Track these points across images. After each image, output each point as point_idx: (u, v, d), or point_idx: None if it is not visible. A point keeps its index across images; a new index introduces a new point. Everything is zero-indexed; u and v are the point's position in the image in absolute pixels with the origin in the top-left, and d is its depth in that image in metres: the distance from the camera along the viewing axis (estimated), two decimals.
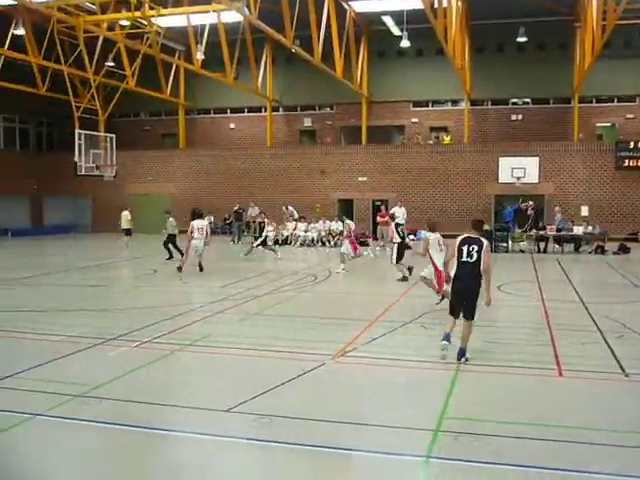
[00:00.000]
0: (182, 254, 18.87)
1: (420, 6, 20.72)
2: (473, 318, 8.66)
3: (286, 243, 28.90)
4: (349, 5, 29.80)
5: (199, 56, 28.91)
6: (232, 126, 37.39)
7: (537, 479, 5.33)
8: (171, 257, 20.57)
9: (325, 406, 7.01)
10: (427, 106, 34.81)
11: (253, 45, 33.06)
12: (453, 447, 5.87)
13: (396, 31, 30.86)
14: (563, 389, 7.75)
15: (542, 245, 25.75)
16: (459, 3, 26.36)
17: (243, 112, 37.32)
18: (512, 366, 8.52)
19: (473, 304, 8.63)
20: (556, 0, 28.19)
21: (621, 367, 8.51)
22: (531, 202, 27.15)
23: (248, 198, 31.84)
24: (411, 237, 29.28)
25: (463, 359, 8.50)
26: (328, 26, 26.74)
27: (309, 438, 6.05)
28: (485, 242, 8.61)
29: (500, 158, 30.23)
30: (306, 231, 29.12)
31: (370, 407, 7.10)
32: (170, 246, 20.66)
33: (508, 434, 6.18)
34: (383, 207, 27.21)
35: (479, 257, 8.49)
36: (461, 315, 8.72)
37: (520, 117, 33.50)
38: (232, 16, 26.65)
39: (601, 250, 24.80)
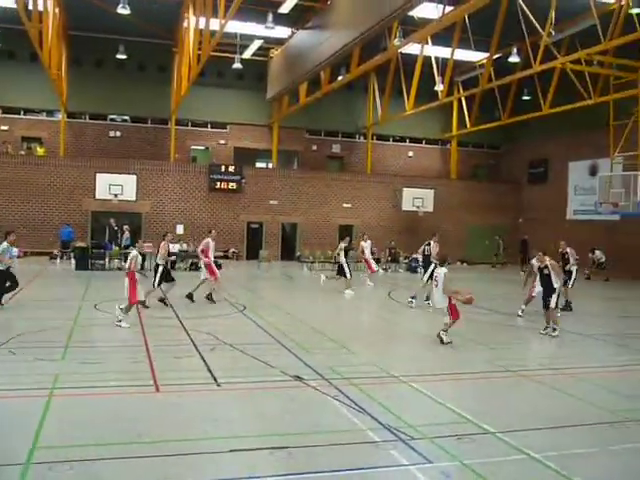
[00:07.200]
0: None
1: (13, 5, 19.29)
2: None
3: None
4: None
5: None
6: None
7: None
8: None
9: None
10: (19, 114, 32.53)
11: None
12: (47, 478, 5.44)
13: None
14: (161, 404, 7.83)
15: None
16: (56, 10, 25.27)
17: None
18: (109, 386, 8.34)
19: None
20: (156, 23, 28.93)
21: (214, 377, 8.95)
22: (112, 219, 27.56)
23: None
24: None
25: None
26: None
27: None
28: None
29: (97, 174, 29.69)
30: None
31: None
32: None
33: (109, 456, 5.98)
34: None
35: None
36: None
37: (119, 134, 33.51)
38: None
39: (196, 267, 26.00)
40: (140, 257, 13.75)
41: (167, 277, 16.07)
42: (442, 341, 11.86)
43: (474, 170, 39.82)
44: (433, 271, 14.51)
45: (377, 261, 28.31)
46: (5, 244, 14.42)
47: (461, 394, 8.83)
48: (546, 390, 9.05)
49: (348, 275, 20.12)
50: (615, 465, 6.37)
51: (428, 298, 16.52)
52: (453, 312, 12.01)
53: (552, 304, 13.18)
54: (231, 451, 6.23)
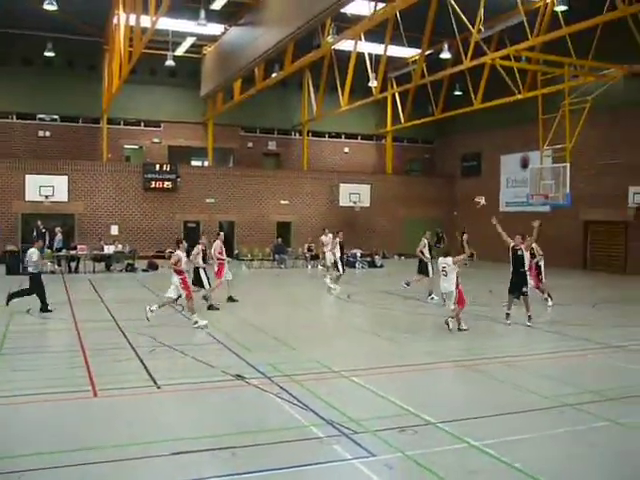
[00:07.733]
0: None
1: None
2: None
3: None
4: None
5: None
6: None
7: None
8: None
9: None
10: None
11: None
12: None
13: None
14: (99, 409, 7.66)
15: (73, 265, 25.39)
16: None
17: None
18: (44, 393, 8.08)
19: None
20: (85, 19, 28.16)
21: (153, 380, 8.82)
22: (39, 221, 26.56)
23: None
24: None
25: None
26: None
27: None
28: None
29: (27, 175, 28.75)
30: None
31: None
32: None
33: (42, 466, 5.83)
34: None
35: None
36: None
37: (48, 134, 32.52)
38: None
39: (132, 268, 25.61)
40: (185, 256, 13.58)
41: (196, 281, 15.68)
42: (449, 327, 12.68)
43: (409, 165, 40.35)
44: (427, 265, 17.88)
45: (317, 257, 28.46)
46: (34, 249, 15.18)
47: (402, 387, 8.94)
48: (485, 379, 9.25)
49: (340, 270, 20.07)
50: (553, 449, 6.55)
51: (431, 294, 17.69)
52: (460, 301, 12.82)
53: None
54: (173, 454, 6.15)
